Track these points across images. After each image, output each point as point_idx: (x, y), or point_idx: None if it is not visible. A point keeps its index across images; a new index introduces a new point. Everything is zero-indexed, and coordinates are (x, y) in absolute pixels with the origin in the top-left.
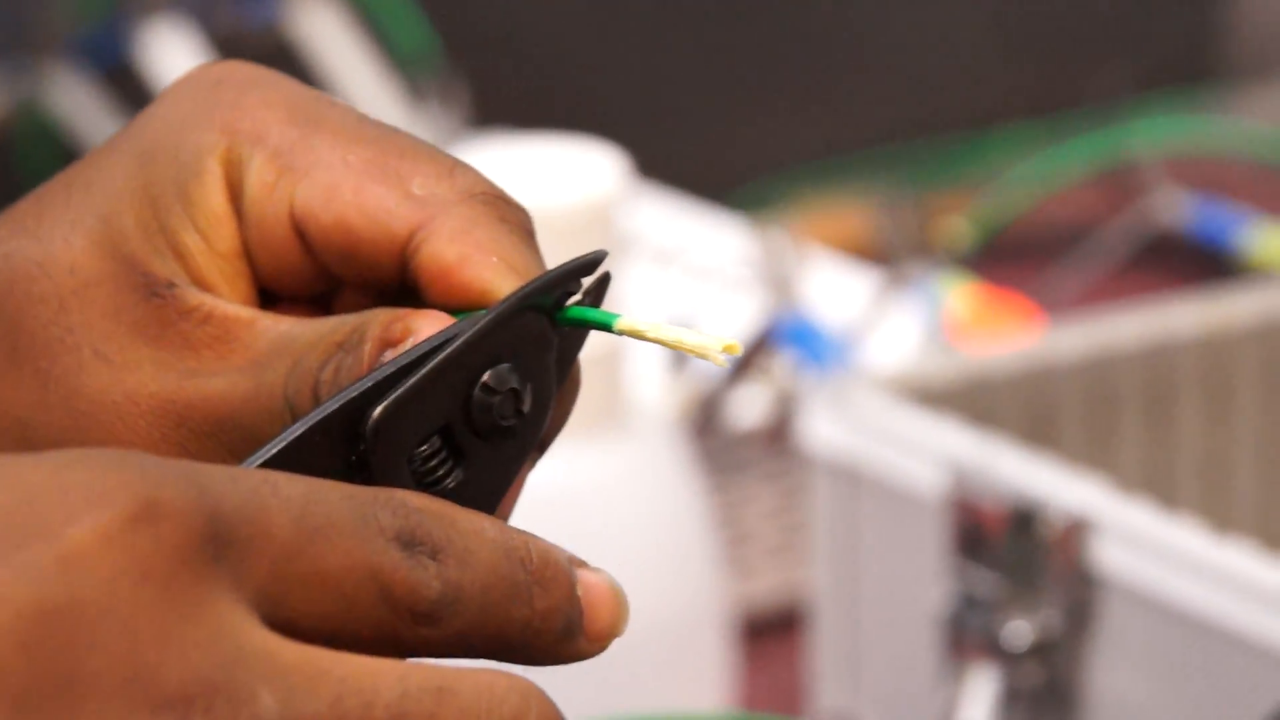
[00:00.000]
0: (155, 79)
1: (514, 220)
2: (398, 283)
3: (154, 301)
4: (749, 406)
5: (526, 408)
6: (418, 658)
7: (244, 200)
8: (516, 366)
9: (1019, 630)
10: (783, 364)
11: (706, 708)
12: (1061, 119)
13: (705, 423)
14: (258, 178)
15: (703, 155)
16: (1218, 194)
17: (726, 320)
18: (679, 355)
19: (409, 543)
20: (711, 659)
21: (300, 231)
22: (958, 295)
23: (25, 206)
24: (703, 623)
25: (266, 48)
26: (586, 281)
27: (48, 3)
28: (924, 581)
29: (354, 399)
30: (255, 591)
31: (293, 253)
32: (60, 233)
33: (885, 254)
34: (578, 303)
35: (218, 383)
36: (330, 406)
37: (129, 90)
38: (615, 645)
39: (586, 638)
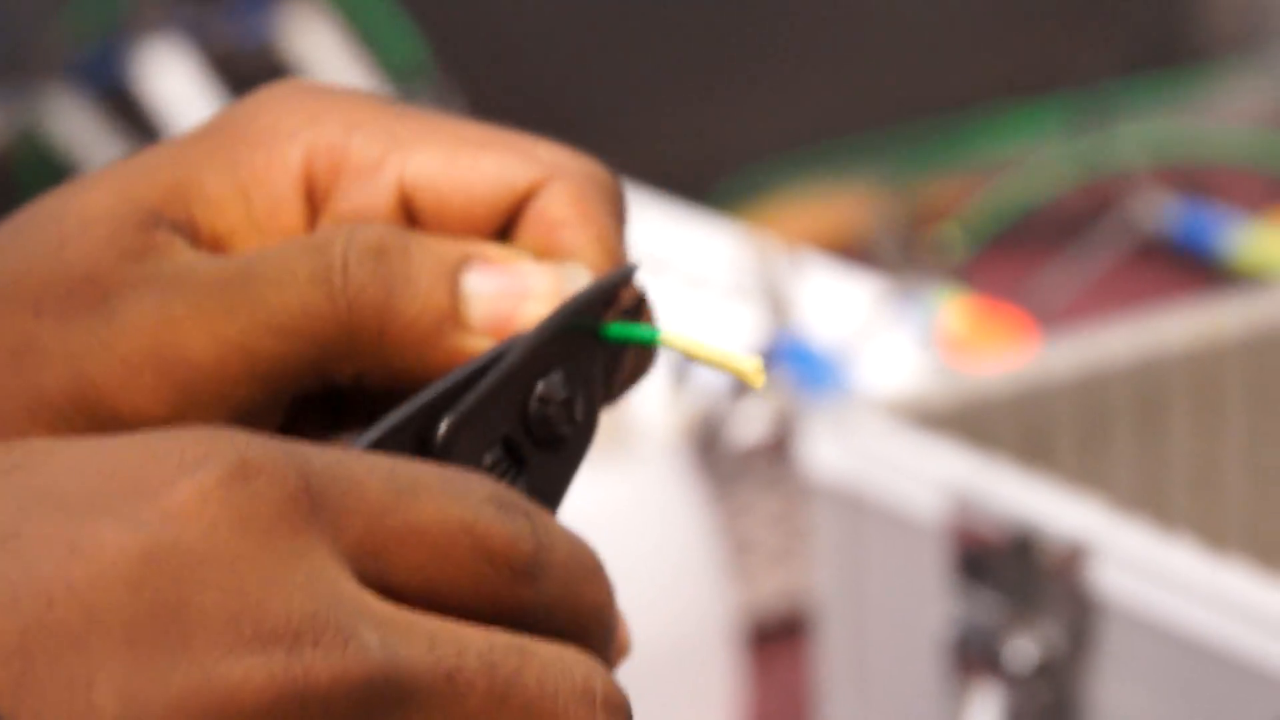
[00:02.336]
0: (153, 99)
1: (620, 209)
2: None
3: (148, 232)
4: (749, 423)
5: (579, 416)
6: (514, 626)
7: (345, 177)
8: (567, 376)
9: (1022, 651)
10: (781, 382)
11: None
12: (1044, 100)
13: (707, 440)
14: (361, 153)
15: (684, 148)
16: (1202, 196)
17: (725, 329)
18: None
19: (502, 504)
20: (721, 672)
21: (406, 200)
22: (952, 308)
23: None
24: (711, 638)
25: (262, 65)
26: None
27: (44, 26)
28: (927, 603)
29: (422, 407)
30: (351, 547)
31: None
32: (81, 188)
33: (875, 253)
34: (618, 318)
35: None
36: (401, 414)
37: (128, 113)
38: (630, 662)
39: (618, 645)
